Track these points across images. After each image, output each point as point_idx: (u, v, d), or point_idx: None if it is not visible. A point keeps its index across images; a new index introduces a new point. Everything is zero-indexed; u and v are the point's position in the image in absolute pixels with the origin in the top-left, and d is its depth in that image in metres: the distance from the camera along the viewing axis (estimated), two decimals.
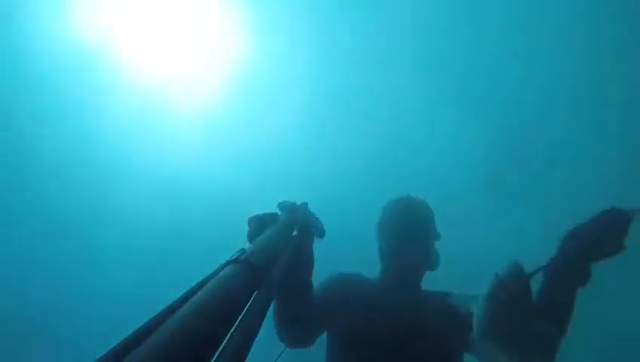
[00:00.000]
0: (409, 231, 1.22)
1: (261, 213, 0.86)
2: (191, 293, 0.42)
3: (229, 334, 0.41)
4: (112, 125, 6.50)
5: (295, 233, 0.91)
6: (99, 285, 6.70)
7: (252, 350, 0.43)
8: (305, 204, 1.01)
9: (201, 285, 0.44)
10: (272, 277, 0.58)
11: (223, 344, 0.39)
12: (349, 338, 1.15)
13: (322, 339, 1.20)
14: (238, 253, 0.54)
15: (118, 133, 6.57)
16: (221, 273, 0.47)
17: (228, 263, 0.50)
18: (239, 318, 0.44)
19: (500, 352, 0.92)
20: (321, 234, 0.98)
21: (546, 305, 0.99)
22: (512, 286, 0.88)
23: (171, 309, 0.39)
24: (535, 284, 0.94)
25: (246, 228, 0.77)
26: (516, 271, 0.90)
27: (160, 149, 6.72)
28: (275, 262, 0.63)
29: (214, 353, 0.37)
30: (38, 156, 6.67)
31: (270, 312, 0.85)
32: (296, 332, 1.11)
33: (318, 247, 1.01)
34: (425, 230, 1.24)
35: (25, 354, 6.80)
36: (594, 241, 0.94)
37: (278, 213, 0.89)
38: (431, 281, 1.24)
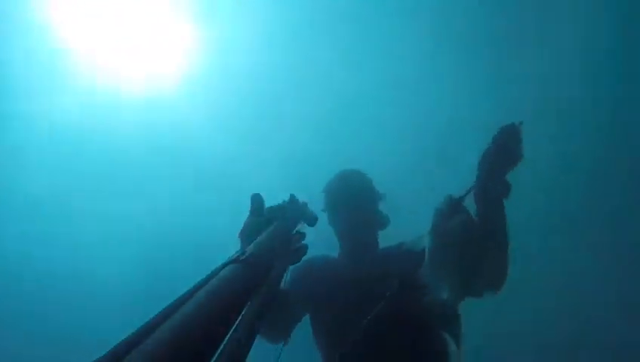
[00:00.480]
0: (343, 204, 1.30)
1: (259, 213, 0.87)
2: (191, 293, 0.43)
3: (229, 334, 0.41)
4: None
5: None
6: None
7: (252, 350, 0.43)
8: (293, 197, 1.00)
9: (201, 285, 0.45)
10: (271, 277, 0.58)
11: (223, 344, 0.39)
12: (326, 320, 1.19)
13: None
14: (238, 253, 0.54)
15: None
16: (221, 273, 0.47)
17: (228, 263, 0.50)
18: (239, 318, 0.44)
19: (450, 280, 1.11)
20: (312, 222, 0.95)
21: (482, 221, 1.13)
22: (448, 211, 1.09)
23: (171, 309, 0.39)
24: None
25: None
26: (449, 199, 1.12)
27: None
28: (275, 262, 0.63)
29: (214, 353, 0.37)
30: None
31: None
32: (274, 332, 1.16)
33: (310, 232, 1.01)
34: (359, 197, 1.32)
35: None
36: (498, 156, 1.12)
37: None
38: None
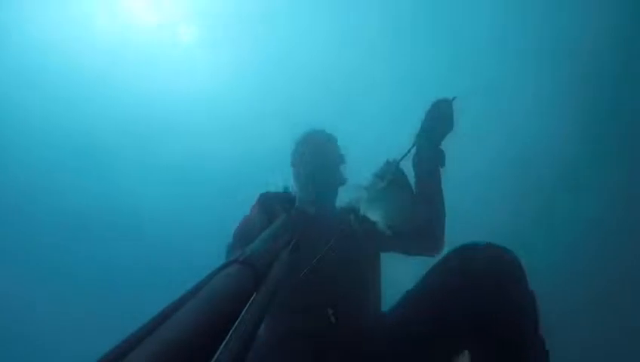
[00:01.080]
0: (313, 148, 1.43)
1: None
2: (191, 293, 0.43)
3: (229, 335, 0.41)
4: None
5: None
6: None
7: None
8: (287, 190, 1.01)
9: (201, 285, 0.45)
10: (271, 277, 0.58)
11: (223, 344, 0.39)
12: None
13: None
14: (239, 253, 0.54)
15: None
16: (221, 273, 0.47)
17: (228, 263, 0.50)
18: (239, 319, 0.44)
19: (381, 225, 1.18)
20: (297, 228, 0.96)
21: (420, 186, 1.26)
22: (386, 171, 1.19)
23: (171, 309, 0.39)
24: None
25: None
26: (386, 162, 1.22)
27: None
28: (275, 262, 0.63)
29: (214, 354, 0.37)
30: None
31: None
32: None
33: None
34: (326, 146, 1.45)
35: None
36: (432, 125, 1.24)
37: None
38: None
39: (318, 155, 1.42)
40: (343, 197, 1.47)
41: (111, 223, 7.65)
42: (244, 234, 0.96)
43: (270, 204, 0.91)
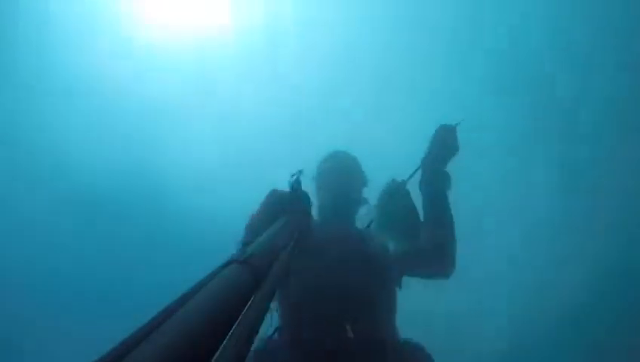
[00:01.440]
0: (340, 189, 1.43)
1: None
2: (192, 293, 0.43)
3: (230, 333, 0.41)
4: None
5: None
6: None
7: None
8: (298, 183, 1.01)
9: (202, 285, 0.45)
10: (271, 277, 0.58)
11: (224, 343, 0.39)
12: (299, 281, 1.20)
13: None
14: (239, 253, 0.54)
15: None
16: (222, 273, 0.47)
17: (229, 263, 0.50)
18: (239, 318, 0.45)
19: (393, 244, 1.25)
20: (305, 234, 0.96)
21: (428, 209, 1.29)
22: (392, 190, 1.29)
23: (172, 309, 0.40)
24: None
25: None
26: (393, 182, 1.32)
27: None
28: (275, 263, 0.63)
29: (215, 352, 0.37)
30: None
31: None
32: None
33: None
34: (350, 186, 1.46)
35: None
36: (437, 150, 1.30)
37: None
38: None
39: (340, 179, 1.43)
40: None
41: None
42: (252, 230, 0.97)
43: (276, 203, 0.91)
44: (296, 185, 0.98)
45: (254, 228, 0.94)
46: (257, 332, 0.46)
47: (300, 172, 1.02)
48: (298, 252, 1.14)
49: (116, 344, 0.34)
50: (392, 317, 1.23)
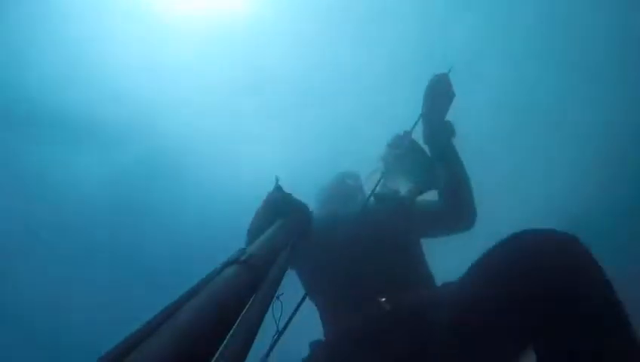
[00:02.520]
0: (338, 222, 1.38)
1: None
2: (192, 293, 0.43)
3: (229, 334, 0.41)
4: None
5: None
6: None
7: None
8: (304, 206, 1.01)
9: (201, 285, 0.45)
10: (271, 278, 0.58)
11: (223, 344, 0.39)
12: (318, 271, 1.21)
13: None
14: (239, 254, 0.54)
15: None
16: (222, 273, 0.47)
17: (228, 264, 0.51)
18: (239, 319, 0.45)
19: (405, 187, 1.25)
20: (307, 235, 0.97)
21: (436, 156, 1.26)
22: (399, 142, 1.27)
23: (172, 309, 0.40)
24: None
25: None
26: (398, 134, 1.30)
27: None
28: (275, 263, 0.63)
29: (214, 353, 0.37)
30: None
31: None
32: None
33: None
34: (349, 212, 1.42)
35: None
36: (433, 100, 1.26)
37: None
38: None
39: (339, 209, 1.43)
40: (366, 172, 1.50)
41: None
42: (253, 234, 0.97)
43: (275, 204, 0.91)
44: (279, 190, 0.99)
45: (255, 232, 0.94)
46: (257, 333, 0.46)
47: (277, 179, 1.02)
48: (310, 249, 1.15)
49: (116, 344, 0.35)
50: (427, 273, 1.21)
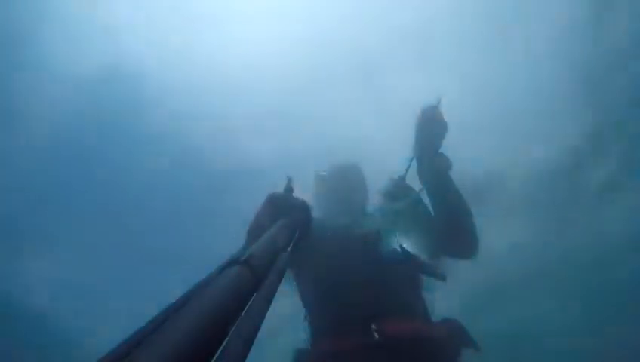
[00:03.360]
0: (338, 207, 1.42)
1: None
2: (191, 294, 0.43)
3: (229, 335, 0.41)
4: None
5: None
6: None
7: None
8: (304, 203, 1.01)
9: (201, 285, 0.45)
10: (271, 278, 0.58)
11: (223, 345, 0.39)
12: (319, 278, 1.22)
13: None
14: (239, 254, 0.54)
15: None
16: (222, 274, 0.48)
17: (229, 264, 0.51)
18: (239, 319, 0.45)
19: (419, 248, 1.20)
20: (305, 233, 0.96)
21: (436, 198, 1.22)
22: (393, 190, 1.23)
23: (172, 310, 0.40)
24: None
25: None
26: (391, 180, 1.26)
27: None
28: (275, 263, 0.63)
29: (214, 354, 0.38)
30: None
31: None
32: None
33: None
34: (345, 204, 1.44)
35: None
36: (425, 134, 1.22)
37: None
38: None
39: (341, 186, 1.44)
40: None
41: None
42: (253, 234, 0.97)
43: (277, 205, 0.91)
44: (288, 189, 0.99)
45: (255, 232, 0.94)
46: (257, 333, 0.46)
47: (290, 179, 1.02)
48: (308, 256, 1.15)
49: (117, 344, 0.35)
50: (419, 304, 1.20)
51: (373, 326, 1.02)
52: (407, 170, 1.27)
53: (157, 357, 0.31)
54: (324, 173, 1.54)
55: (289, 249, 0.73)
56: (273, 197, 0.96)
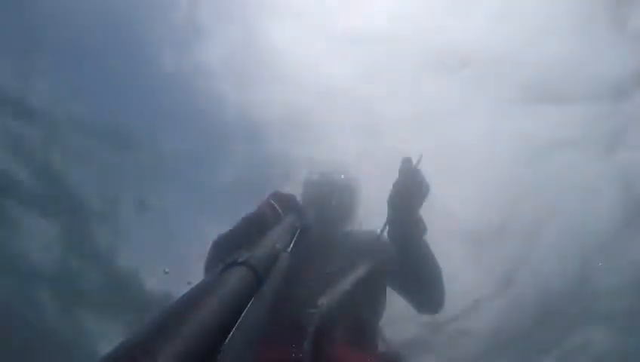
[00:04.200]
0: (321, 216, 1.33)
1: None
2: (194, 294, 0.43)
3: (231, 334, 0.41)
4: None
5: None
6: None
7: None
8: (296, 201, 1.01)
9: (203, 286, 0.45)
10: (272, 278, 0.58)
11: (226, 342, 0.40)
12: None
13: None
14: (240, 255, 0.54)
15: None
16: (224, 274, 0.48)
17: (230, 264, 0.51)
18: (241, 318, 0.45)
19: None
20: (307, 228, 0.94)
21: (404, 259, 1.16)
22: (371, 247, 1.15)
23: (174, 309, 0.40)
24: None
25: None
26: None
27: None
28: (275, 263, 0.64)
29: (217, 351, 0.38)
30: None
31: None
32: None
33: None
34: (335, 209, 1.38)
35: None
36: (400, 196, 1.10)
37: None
38: None
39: (316, 211, 1.34)
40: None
41: None
42: (252, 225, 0.93)
43: (280, 203, 0.91)
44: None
45: (254, 226, 0.93)
46: (258, 332, 0.47)
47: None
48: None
49: (118, 344, 0.35)
50: (369, 329, 1.16)
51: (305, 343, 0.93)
52: (382, 230, 1.17)
53: (160, 355, 0.32)
54: (315, 177, 1.50)
55: (289, 249, 0.74)
56: (277, 196, 0.95)
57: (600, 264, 6.32)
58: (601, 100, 5.49)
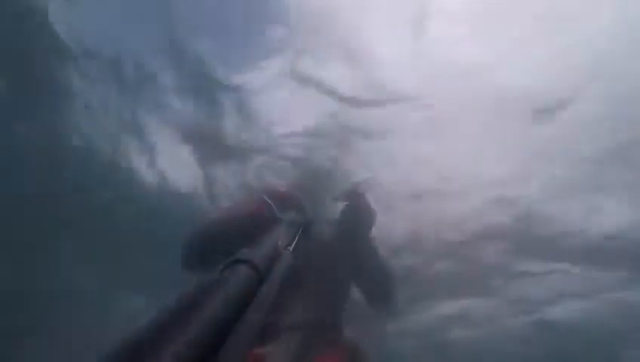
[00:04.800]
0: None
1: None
2: (196, 291, 0.43)
3: (234, 331, 0.41)
4: None
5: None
6: None
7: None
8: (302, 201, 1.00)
9: (206, 283, 0.45)
10: (274, 275, 0.58)
11: (229, 339, 0.39)
12: None
13: None
14: (243, 253, 0.54)
15: None
16: (227, 272, 0.47)
17: (233, 262, 0.51)
18: (244, 315, 0.45)
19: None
20: (309, 226, 0.94)
21: (358, 272, 1.13)
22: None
23: (176, 308, 0.40)
24: None
25: None
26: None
27: None
28: (277, 261, 0.63)
29: (220, 348, 0.38)
30: None
31: None
32: None
33: None
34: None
35: None
36: (349, 221, 1.05)
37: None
38: None
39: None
40: None
41: None
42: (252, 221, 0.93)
43: (282, 201, 0.90)
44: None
45: (254, 222, 0.92)
46: (260, 329, 0.46)
47: None
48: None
49: (118, 344, 0.34)
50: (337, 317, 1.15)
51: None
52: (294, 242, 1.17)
53: (164, 350, 0.31)
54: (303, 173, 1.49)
55: (291, 247, 0.73)
56: (271, 192, 0.94)
57: None
58: None
